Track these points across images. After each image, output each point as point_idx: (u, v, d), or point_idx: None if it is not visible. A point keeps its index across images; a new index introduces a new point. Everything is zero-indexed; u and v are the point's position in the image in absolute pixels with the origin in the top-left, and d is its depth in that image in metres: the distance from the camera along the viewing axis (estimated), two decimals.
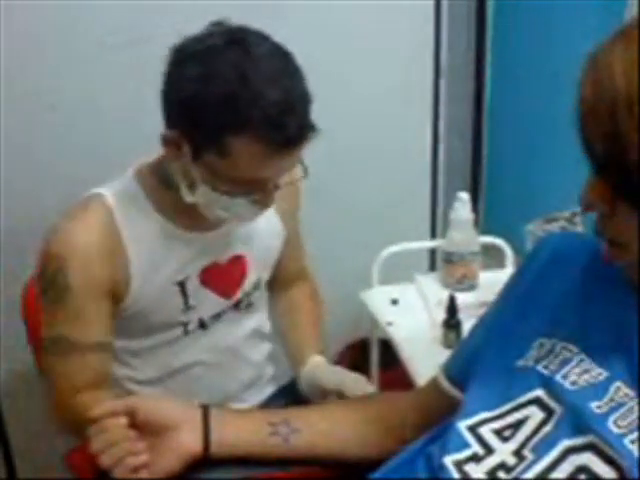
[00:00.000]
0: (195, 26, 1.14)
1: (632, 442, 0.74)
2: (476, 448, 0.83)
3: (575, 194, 0.76)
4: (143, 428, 0.99)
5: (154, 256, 1.27)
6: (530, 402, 0.82)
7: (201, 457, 1.00)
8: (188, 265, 1.31)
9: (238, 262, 1.38)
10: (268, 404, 1.52)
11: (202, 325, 1.37)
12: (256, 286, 1.42)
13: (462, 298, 1.61)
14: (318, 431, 1.04)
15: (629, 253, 0.76)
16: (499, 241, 1.85)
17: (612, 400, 0.78)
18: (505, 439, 0.82)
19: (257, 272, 1.41)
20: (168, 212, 1.28)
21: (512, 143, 2.11)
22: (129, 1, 1.70)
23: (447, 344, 1.53)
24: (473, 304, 1.60)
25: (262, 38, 1.13)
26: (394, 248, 1.81)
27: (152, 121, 1.17)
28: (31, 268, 1.34)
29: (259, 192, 1.19)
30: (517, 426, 0.82)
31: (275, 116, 1.08)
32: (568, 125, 0.72)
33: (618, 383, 0.79)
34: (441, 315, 1.56)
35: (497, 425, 0.83)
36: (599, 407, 0.78)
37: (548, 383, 0.82)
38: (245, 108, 1.08)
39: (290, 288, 1.57)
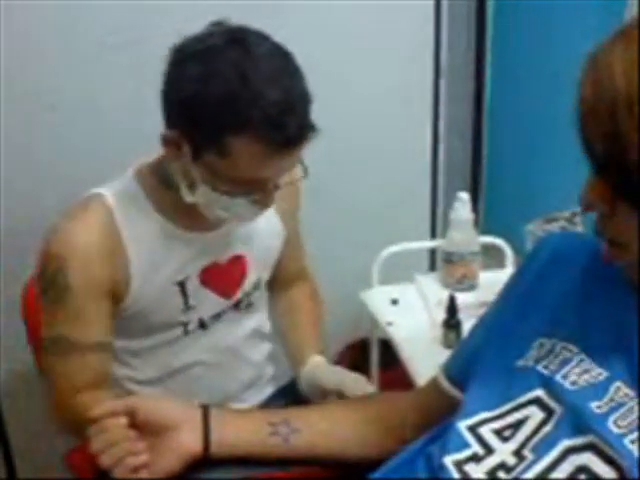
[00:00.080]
0: (195, 26, 1.14)
1: (632, 442, 0.74)
2: (476, 448, 0.83)
3: (575, 194, 0.76)
4: (143, 428, 0.99)
5: (154, 256, 1.27)
6: (530, 402, 0.82)
7: (201, 457, 1.00)
8: (188, 265, 1.31)
9: (238, 262, 1.38)
10: (268, 404, 1.52)
11: (202, 325, 1.37)
12: (256, 286, 1.42)
13: (462, 298, 1.61)
14: (318, 431, 1.04)
15: (629, 253, 0.76)
16: (499, 241, 1.85)
17: (612, 400, 0.78)
18: (505, 439, 0.82)
19: (257, 272, 1.41)
20: (168, 212, 1.28)
21: (512, 143, 2.11)
22: (129, 1, 1.70)
23: (447, 344, 1.53)
24: (473, 304, 1.60)
25: (262, 38, 1.13)
26: (394, 248, 1.81)
27: (152, 121, 1.17)
28: (31, 268, 1.34)
29: (259, 192, 1.19)
30: (517, 426, 0.82)
31: (275, 116, 1.08)
32: (568, 125, 0.72)
33: (618, 383, 0.79)
34: (441, 315, 1.56)
35: (497, 425, 0.83)
36: (599, 407, 0.78)
37: (548, 383, 0.82)
38: (245, 108, 1.08)
39: (290, 288, 1.57)
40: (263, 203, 1.22)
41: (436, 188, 2.21)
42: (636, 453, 0.73)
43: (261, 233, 1.39)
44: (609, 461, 0.74)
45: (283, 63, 1.12)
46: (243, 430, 1.02)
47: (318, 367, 1.42)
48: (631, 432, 0.75)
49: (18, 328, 1.49)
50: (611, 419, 0.76)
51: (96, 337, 1.25)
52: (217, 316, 1.38)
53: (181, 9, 1.70)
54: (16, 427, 1.97)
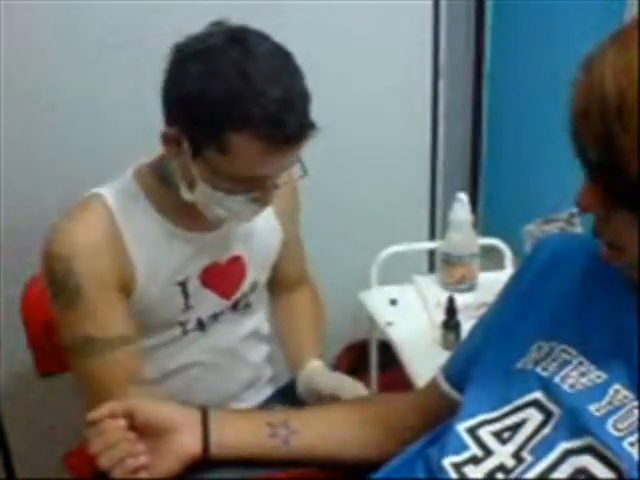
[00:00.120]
0: (195, 26, 1.14)
1: (631, 444, 0.74)
2: (475, 450, 0.83)
3: (574, 195, 0.76)
4: (142, 430, 0.98)
5: (155, 255, 1.27)
6: (529, 404, 0.82)
7: (200, 458, 1.00)
8: (188, 265, 1.31)
9: (237, 263, 1.38)
10: (266, 405, 1.52)
11: (200, 325, 1.37)
12: (253, 287, 1.42)
13: (461, 299, 1.61)
14: (317, 433, 1.04)
15: (628, 255, 0.75)
16: (498, 242, 1.85)
17: (610, 403, 0.78)
18: (504, 441, 0.82)
19: (254, 273, 1.41)
20: (168, 212, 1.28)
21: (511, 144, 2.11)
22: (129, 1, 1.70)
23: (446, 345, 1.53)
24: (472, 305, 1.60)
25: (262, 38, 1.13)
26: (393, 249, 1.81)
27: (152, 121, 1.17)
28: (31, 268, 1.34)
29: (258, 190, 1.19)
30: (516, 428, 0.82)
31: (275, 113, 1.08)
32: (567, 126, 0.72)
33: (617, 386, 0.79)
34: (440, 316, 1.56)
35: (496, 427, 0.83)
36: (598, 410, 0.78)
37: (547, 385, 0.82)
38: (246, 105, 1.08)
39: (291, 292, 1.57)
40: (262, 201, 1.22)
41: (435, 189, 2.21)
42: (635, 455, 0.73)
43: (259, 233, 1.39)
44: (608, 463, 0.74)
45: (283, 62, 1.12)
46: (242, 431, 1.03)
47: (316, 371, 1.42)
48: (630, 434, 0.75)
49: (18, 329, 1.49)
50: (610, 421, 0.76)
51: (117, 330, 1.23)
52: (215, 316, 1.38)
53: (181, 9, 1.70)
54: (15, 428, 1.97)
